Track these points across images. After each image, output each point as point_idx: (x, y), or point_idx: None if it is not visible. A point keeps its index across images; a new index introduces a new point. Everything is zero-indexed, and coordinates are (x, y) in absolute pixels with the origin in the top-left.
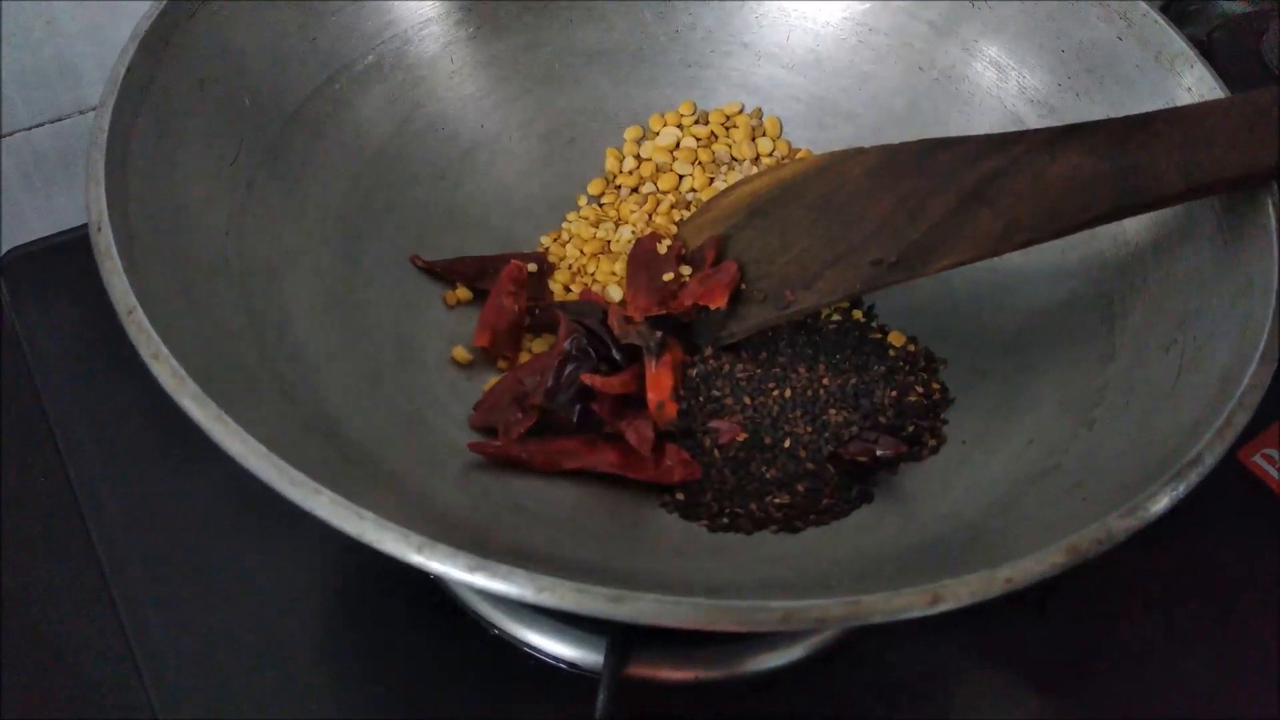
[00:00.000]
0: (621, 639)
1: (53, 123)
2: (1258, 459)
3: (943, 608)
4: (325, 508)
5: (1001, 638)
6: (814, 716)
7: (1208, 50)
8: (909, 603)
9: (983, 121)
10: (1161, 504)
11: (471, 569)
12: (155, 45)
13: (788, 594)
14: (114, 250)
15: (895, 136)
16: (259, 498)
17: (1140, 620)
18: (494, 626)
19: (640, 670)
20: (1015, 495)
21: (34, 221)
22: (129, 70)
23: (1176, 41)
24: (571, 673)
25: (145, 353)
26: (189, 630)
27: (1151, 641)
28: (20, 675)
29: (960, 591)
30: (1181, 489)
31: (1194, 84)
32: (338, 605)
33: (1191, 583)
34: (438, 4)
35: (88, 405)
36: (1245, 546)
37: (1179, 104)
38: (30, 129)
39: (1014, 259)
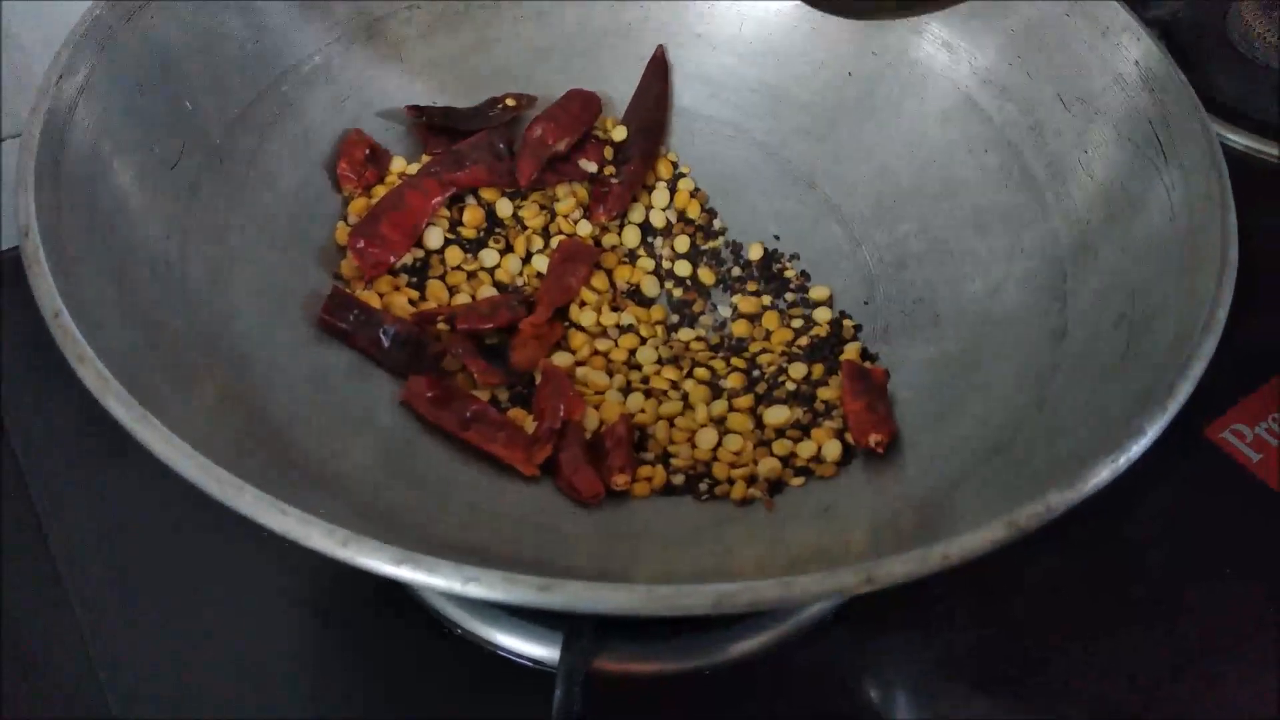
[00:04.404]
0: (579, 633)
1: (14, 138)
2: (1226, 435)
3: (877, 587)
4: (250, 505)
5: (973, 625)
6: (780, 705)
7: (1171, 28)
8: (843, 583)
9: (936, 104)
10: (1101, 476)
11: (398, 562)
12: (91, 49)
13: (726, 578)
14: (41, 254)
15: (850, 124)
16: (219, 504)
17: (1115, 599)
18: (458, 626)
19: (608, 665)
20: (969, 474)
21: (9, 231)
22: (62, 75)
23: (1122, 15)
24: (537, 670)
25: (70, 355)
26: (147, 632)
27: (1126, 620)
28: None
29: (895, 570)
30: (1123, 461)
31: (1140, 57)
32: (300, 608)
33: (1165, 561)
34: (385, 3)
35: (43, 409)
36: (1218, 522)
37: (1127, 79)
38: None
39: (968, 240)
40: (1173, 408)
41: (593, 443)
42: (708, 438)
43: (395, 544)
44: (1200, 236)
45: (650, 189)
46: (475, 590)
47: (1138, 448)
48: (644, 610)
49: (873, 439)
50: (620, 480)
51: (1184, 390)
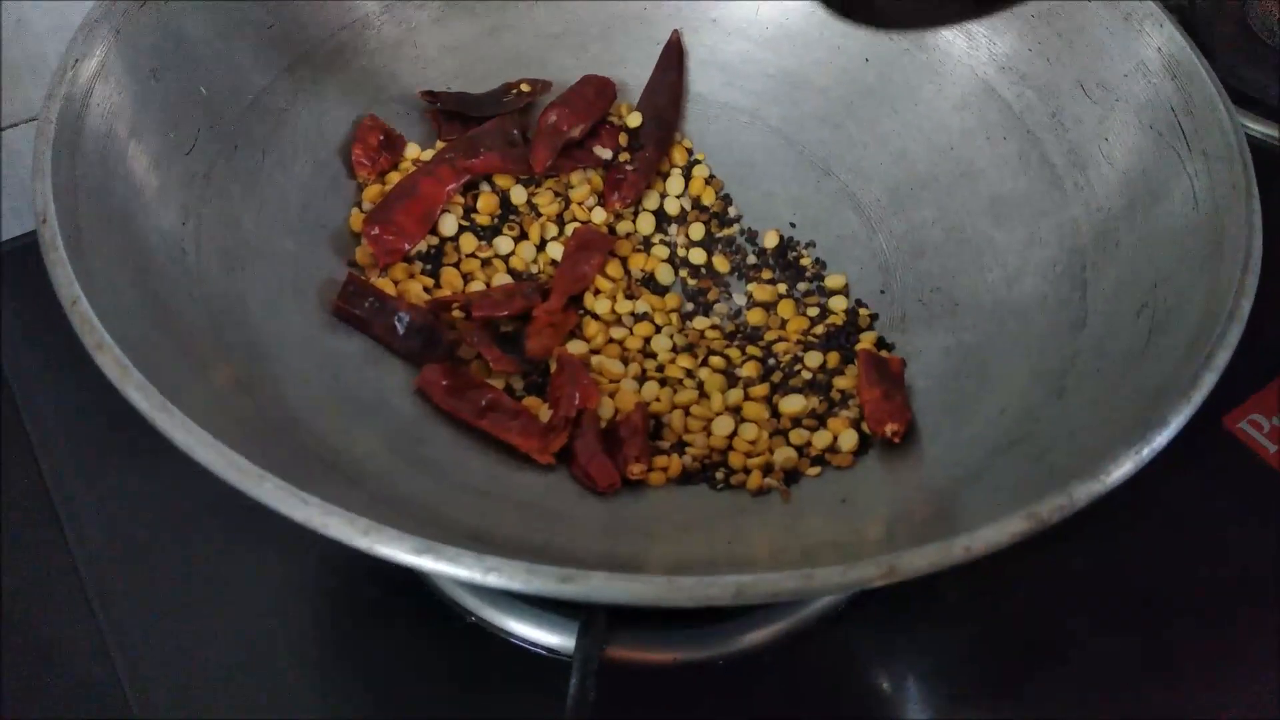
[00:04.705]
0: (595, 622)
1: (27, 122)
2: (1244, 425)
3: (898, 579)
4: (271, 495)
5: (985, 616)
6: (792, 694)
7: (1191, 15)
8: (865, 575)
9: (954, 91)
10: (1124, 468)
11: (419, 551)
12: (106, 34)
13: (746, 569)
14: (59, 242)
15: (866, 111)
16: (234, 495)
17: (1128, 590)
18: (471, 614)
19: (619, 653)
20: (986, 465)
21: (10, 220)
22: (77, 61)
23: (1145, 2)
24: (550, 658)
25: (89, 343)
26: (164, 627)
27: (1139, 612)
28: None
29: (917, 563)
30: (1146, 453)
31: (1163, 44)
32: (315, 597)
33: (1180, 552)
34: None
35: (61, 403)
36: (1234, 513)
37: (1150, 65)
38: (5, 129)
39: (986, 228)
40: (1197, 398)
41: (608, 431)
42: (723, 426)
43: (412, 532)
44: (1224, 226)
45: (665, 176)
46: (496, 580)
47: (1161, 438)
48: (665, 601)
49: (889, 429)
50: (636, 470)
51: (1208, 381)
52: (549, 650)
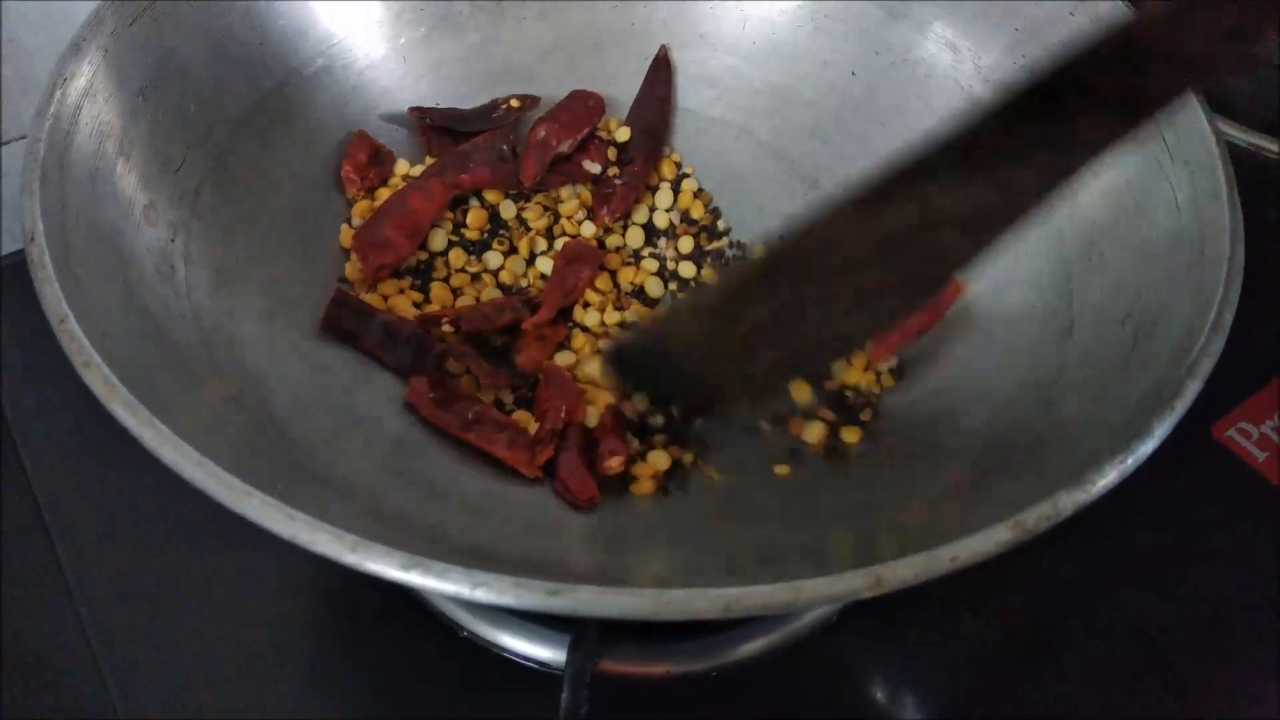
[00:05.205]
0: (586, 635)
1: (18, 140)
2: (1232, 433)
3: (885, 590)
4: (257, 510)
5: (979, 624)
6: (787, 705)
7: None
8: (852, 587)
9: (941, 104)
10: (1109, 478)
11: (406, 567)
12: (93, 55)
13: (733, 580)
14: (47, 260)
15: (854, 123)
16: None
17: (1120, 599)
18: (463, 629)
19: (611, 666)
20: (974, 475)
21: (6, 237)
22: (65, 80)
23: (1126, 14)
24: (543, 672)
25: (77, 361)
26: (152, 632)
27: (1131, 620)
28: None
29: (904, 573)
30: (1131, 462)
31: None
32: (306, 610)
33: (1171, 561)
34: (389, 4)
35: (57, 418)
36: (1224, 520)
37: None
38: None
39: None
40: (1180, 408)
41: (588, 442)
42: None
43: (403, 546)
44: (1206, 236)
45: (654, 190)
46: (484, 595)
47: (1145, 449)
48: (654, 615)
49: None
50: (614, 464)
51: (1192, 390)
52: (541, 664)
